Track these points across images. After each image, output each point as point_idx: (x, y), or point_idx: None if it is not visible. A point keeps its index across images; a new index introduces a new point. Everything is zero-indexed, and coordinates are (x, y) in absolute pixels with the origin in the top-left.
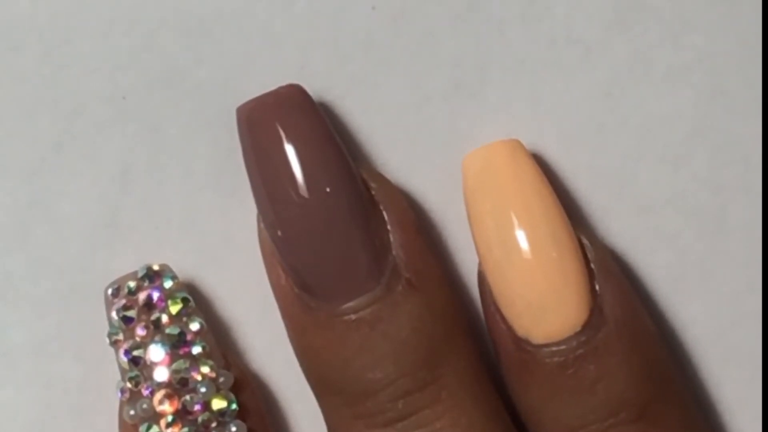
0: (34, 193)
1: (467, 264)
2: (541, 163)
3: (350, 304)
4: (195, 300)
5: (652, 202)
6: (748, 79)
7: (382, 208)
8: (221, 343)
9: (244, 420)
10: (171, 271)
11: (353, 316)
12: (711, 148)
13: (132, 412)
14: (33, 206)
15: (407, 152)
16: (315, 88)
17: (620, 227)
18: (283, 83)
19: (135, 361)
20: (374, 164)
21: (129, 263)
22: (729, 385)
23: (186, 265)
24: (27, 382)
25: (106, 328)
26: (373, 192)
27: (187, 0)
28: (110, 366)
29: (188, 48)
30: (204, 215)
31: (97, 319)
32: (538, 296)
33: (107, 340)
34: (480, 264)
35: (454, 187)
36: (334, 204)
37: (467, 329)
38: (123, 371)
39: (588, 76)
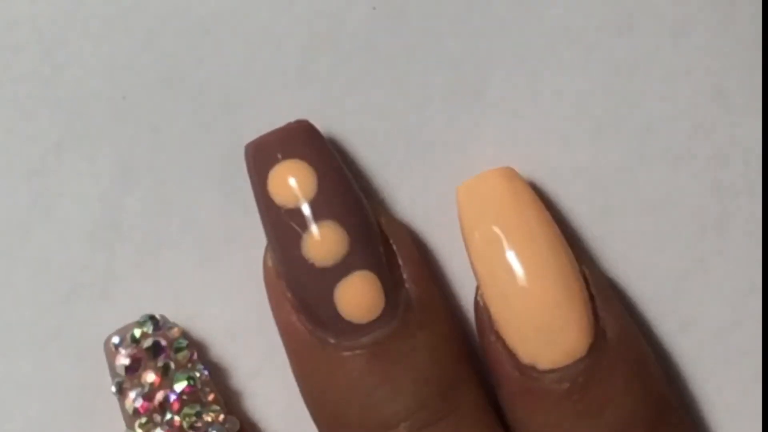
0: (34, 193)
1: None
2: (537, 178)
3: (368, 337)
4: (193, 303)
5: (652, 202)
6: (748, 79)
7: (392, 242)
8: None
9: None
10: (168, 320)
11: (374, 350)
12: (711, 148)
13: None
14: (33, 206)
15: (407, 153)
16: (315, 88)
17: (620, 227)
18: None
19: (145, 406)
20: (373, 165)
21: (129, 263)
22: (729, 386)
23: (185, 266)
24: (27, 382)
25: (107, 331)
26: (382, 227)
27: (187, 0)
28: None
29: (188, 48)
30: (204, 215)
31: (97, 320)
32: (545, 322)
33: (113, 389)
34: (479, 292)
35: (454, 188)
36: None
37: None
38: (130, 419)
39: (588, 76)
